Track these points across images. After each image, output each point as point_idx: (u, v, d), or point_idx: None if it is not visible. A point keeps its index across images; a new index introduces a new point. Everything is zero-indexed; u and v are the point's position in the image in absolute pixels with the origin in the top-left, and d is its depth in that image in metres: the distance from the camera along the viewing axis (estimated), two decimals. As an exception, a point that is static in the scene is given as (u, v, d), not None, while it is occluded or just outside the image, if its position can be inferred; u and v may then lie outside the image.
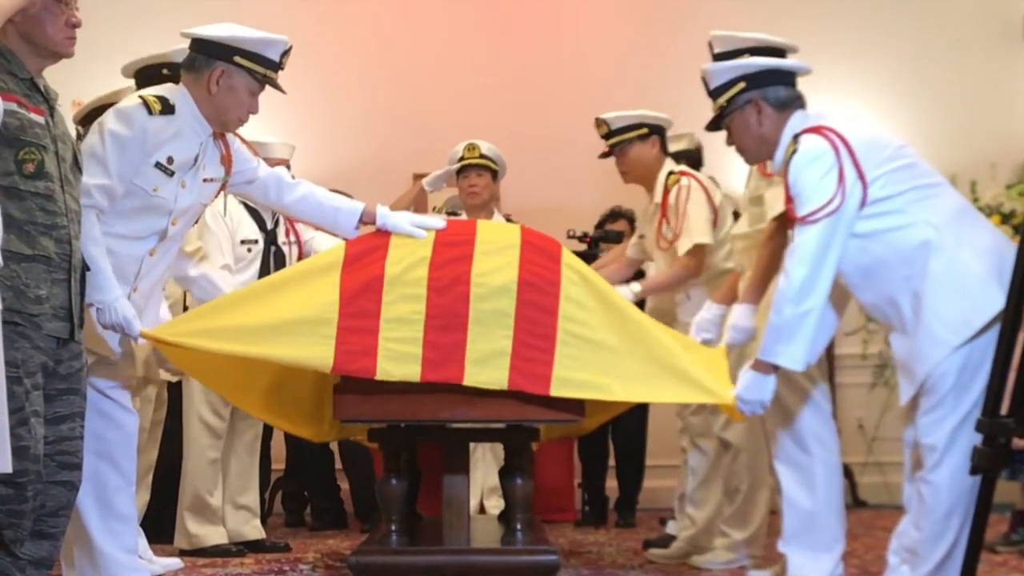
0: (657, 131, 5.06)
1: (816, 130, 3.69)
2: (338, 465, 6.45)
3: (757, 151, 3.93)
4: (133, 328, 3.70)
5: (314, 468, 6.42)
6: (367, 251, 4.11)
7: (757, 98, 3.84)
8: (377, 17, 7.66)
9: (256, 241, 5.34)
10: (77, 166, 3.46)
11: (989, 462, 3.11)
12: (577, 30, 7.69)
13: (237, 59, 3.85)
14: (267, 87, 3.94)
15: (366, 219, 4.20)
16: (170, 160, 3.78)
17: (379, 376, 3.94)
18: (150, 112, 3.74)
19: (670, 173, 4.98)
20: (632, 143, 5.06)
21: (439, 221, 4.24)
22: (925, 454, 3.55)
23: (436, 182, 6.02)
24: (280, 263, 5.40)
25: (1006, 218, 5.80)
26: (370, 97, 7.51)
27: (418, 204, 6.22)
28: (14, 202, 3.16)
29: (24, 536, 3.21)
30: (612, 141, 5.10)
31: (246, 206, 5.27)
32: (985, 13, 7.59)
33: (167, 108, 3.78)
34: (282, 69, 3.95)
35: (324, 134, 7.31)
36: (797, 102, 3.87)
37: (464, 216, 5.87)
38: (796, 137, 3.73)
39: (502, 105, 7.41)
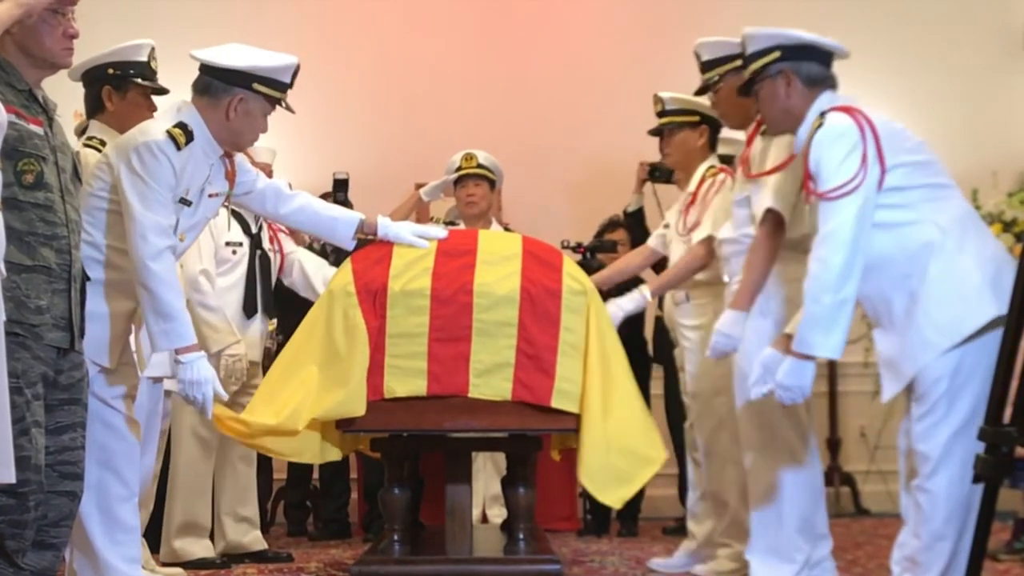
0: (710, 123, 5.00)
1: (845, 109, 3.68)
2: (353, 475, 6.44)
3: (780, 122, 3.91)
4: (209, 392, 3.75)
5: (322, 477, 6.41)
6: (372, 264, 4.13)
7: (789, 70, 3.83)
8: (377, 28, 7.68)
9: (241, 244, 5.32)
10: (77, 176, 3.46)
11: (992, 471, 3.10)
12: (577, 41, 7.69)
13: (256, 86, 3.87)
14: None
15: (366, 230, 4.21)
16: (187, 191, 3.82)
17: (386, 395, 3.98)
18: (178, 147, 3.75)
19: (710, 166, 4.93)
20: (682, 127, 5.02)
21: (441, 231, 4.25)
22: (919, 462, 3.55)
23: (434, 192, 6.02)
24: (265, 267, 5.40)
25: (1008, 226, 5.79)
26: (371, 108, 7.53)
27: (419, 214, 6.22)
28: (14, 213, 3.16)
29: (26, 546, 3.20)
30: (664, 121, 5.08)
31: (231, 209, 5.27)
32: (986, 21, 7.59)
33: (190, 137, 3.79)
34: (291, 88, 3.98)
35: (325, 145, 7.32)
36: (828, 81, 3.86)
37: (462, 226, 5.87)
38: (823, 114, 3.71)
39: (502, 115, 7.41)
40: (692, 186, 4.94)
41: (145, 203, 3.68)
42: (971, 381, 3.47)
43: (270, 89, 3.90)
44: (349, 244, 4.27)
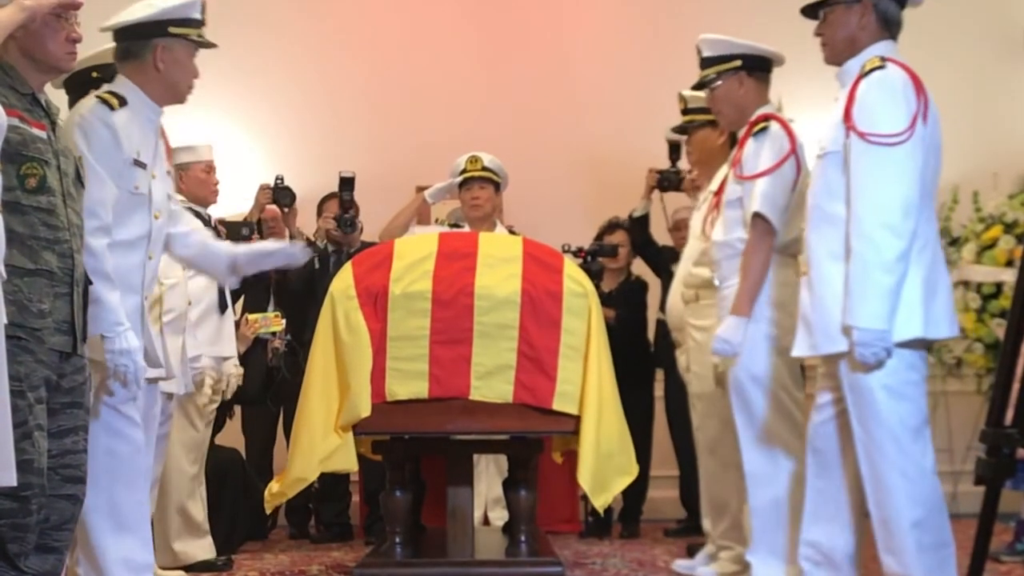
0: None
1: (908, 70, 3.64)
2: (354, 478, 6.43)
3: (841, 51, 3.79)
4: (139, 361, 3.68)
5: (323, 480, 6.41)
6: (372, 267, 4.15)
7: (871, 1, 3.74)
8: (380, 30, 7.67)
9: None
10: (79, 180, 3.47)
11: (993, 472, 3.11)
12: (580, 45, 7.68)
13: (172, 30, 3.89)
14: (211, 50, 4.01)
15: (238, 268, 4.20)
16: (139, 153, 3.81)
17: (388, 398, 3.99)
18: (111, 108, 3.75)
19: None
20: (703, 125, 5.01)
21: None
22: (861, 455, 3.59)
23: (438, 194, 6.01)
24: None
25: (1008, 228, 5.78)
26: (373, 110, 7.52)
27: (421, 216, 6.23)
28: (16, 217, 3.17)
29: (29, 550, 3.20)
30: (686, 119, 5.08)
31: (188, 208, 5.28)
32: (986, 23, 7.59)
33: (123, 101, 3.80)
34: (204, 24, 4.01)
35: (328, 147, 7.31)
36: (896, 29, 3.79)
37: (467, 228, 5.87)
38: (884, 59, 3.65)
39: (504, 118, 7.40)
40: (714, 186, 4.81)
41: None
42: (905, 396, 3.55)
43: (185, 28, 3.91)
44: (227, 279, 4.33)
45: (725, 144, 4.94)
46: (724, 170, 4.79)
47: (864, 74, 3.63)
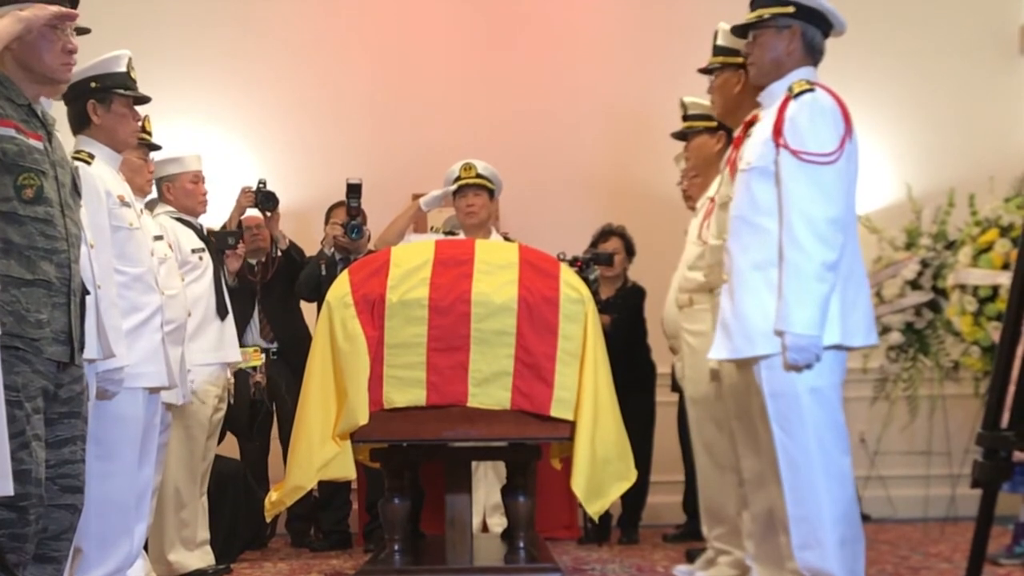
0: (727, 130, 4.96)
1: (840, 101, 3.77)
2: (353, 486, 6.44)
3: (766, 73, 3.93)
4: None
5: (322, 489, 6.42)
6: (369, 275, 4.15)
7: (798, 29, 3.88)
8: (377, 38, 7.68)
9: (204, 249, 5.32)
10: (76, 191, 3.47)
11: (990, 475, 3.11)
12: (576, 53, 7.69)
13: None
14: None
15: None
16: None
17: (386, 406, 4.00)
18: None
19: None
20: (700, 132, 5.04)
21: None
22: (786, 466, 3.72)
23: (433, 202, 6.00)
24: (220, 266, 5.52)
25: (1005, 231, 5.77)
26: (369, 119, 7.53)
27: (417, 224, 6.23)
28: (14, 227, 3.18)
29: (27, 560, 3.20)
30: (684, 125, 5.11)
31: (179, 219, 5.30)
32: (983, 26, 7.60)
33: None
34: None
35: (324, 156, 7.32)
36: (820, 56, 3.94)
37: (462, 235, 5.87)
38: (811, 83, 3.79)
39: (500, 126, 7.41)
40: (712, 191, 4.79)
41: None
42: (835, 391, 3.77)
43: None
44: None
45: (722, 151, 4.94)
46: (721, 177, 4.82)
47: (794, 96, 3.77)
